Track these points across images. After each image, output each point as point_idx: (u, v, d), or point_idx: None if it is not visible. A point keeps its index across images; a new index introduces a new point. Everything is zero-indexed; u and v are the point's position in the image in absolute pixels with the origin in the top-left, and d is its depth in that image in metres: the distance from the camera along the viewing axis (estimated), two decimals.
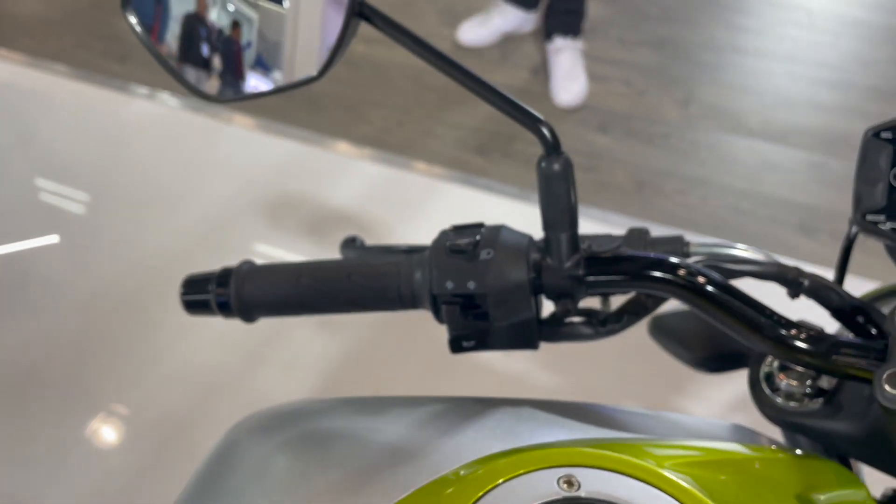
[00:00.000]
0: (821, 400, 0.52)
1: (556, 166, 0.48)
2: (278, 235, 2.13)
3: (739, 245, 0.58)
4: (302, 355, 1.84)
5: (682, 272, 0.47)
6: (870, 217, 0.47)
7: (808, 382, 0.52)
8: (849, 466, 0.57)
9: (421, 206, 2.22)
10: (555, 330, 0.54)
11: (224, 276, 0.56)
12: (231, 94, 0.55)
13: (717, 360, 0.67)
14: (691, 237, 0.57)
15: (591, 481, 0.40)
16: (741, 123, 2.44)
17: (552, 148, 0.48)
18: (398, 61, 2.63)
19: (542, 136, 0.48)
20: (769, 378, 0.54)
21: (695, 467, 0.43)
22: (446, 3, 2.91)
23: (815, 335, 0.46)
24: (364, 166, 2.37)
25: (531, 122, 0.48)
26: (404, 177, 2.32)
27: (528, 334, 0.52)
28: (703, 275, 0.47)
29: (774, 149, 2.36)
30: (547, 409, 0.53)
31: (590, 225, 0.59)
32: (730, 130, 2.43)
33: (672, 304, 0.57)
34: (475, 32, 2.69)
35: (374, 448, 0.51)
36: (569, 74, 2.47)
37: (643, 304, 0.53)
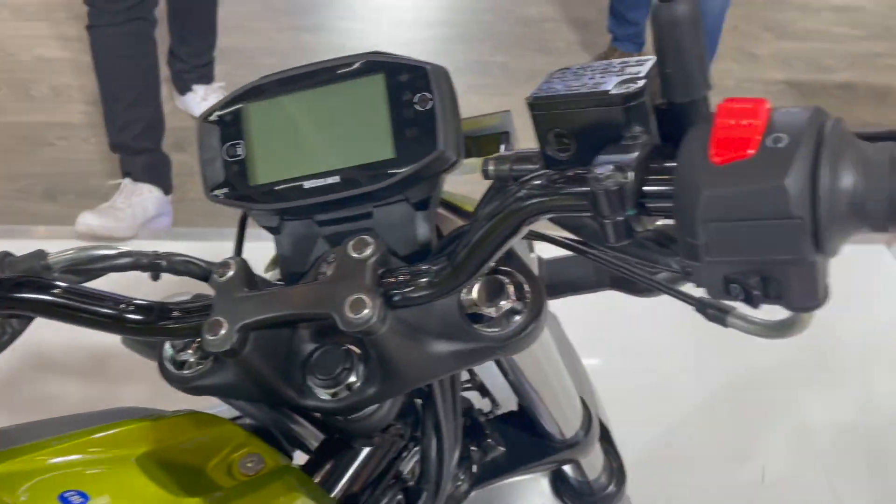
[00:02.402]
0: (211, 360, 0.53)
1: None
2: None
3: (99, 245, 0.59)
4: None
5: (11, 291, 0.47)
6: (216, 192, 0.51)
7: (197, 347, 0.53)
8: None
9: None
10: None
11: None
12: None
13: None
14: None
15: None
16: None
17: None
18: None
19: None
20: (174, 359, 0.54)
21: (40, 456, 0.45)
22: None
23: (144, 307, 0.48)
24: None
25: None
26: None
27: None
28: (33, 284, 0.47)
29: None
30: None
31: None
32: None
33: None
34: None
35: None
36: None
37: (10, 326, 0.52)
